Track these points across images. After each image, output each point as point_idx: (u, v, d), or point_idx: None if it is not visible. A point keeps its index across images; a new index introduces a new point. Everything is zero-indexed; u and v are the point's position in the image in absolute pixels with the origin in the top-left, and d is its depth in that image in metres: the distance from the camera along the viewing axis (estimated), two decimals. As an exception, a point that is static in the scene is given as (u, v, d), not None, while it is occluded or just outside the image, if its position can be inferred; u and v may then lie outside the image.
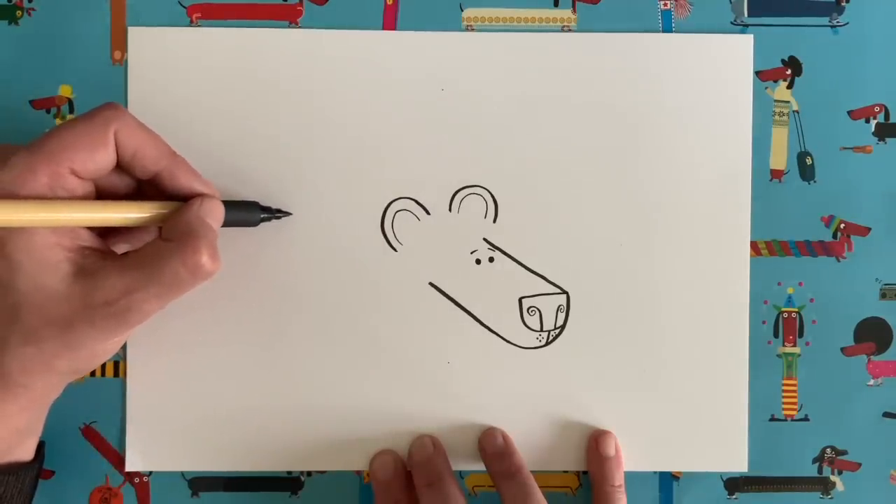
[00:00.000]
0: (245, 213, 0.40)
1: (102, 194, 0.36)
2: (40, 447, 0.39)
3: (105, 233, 0.37)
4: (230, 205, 0.38)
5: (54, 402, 0.38)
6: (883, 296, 0.44)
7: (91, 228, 0.35)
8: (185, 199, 0.37)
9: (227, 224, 0.38)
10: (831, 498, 0.44)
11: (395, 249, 0.43)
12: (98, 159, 0.34)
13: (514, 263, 0.43)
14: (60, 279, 0.33)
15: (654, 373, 0.43)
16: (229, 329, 0.42)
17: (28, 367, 0.34)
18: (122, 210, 0.35)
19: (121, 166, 0.36)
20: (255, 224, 0.40)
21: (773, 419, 0.44)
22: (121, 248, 0.38)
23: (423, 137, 0.43)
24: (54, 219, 0.33)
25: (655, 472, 0.44)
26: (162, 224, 0.36)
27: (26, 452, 0.38)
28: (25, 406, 0.36)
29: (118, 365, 0.43)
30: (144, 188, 0.37)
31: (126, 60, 0.43)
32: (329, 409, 0.43)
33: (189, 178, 0.37)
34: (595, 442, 0.43)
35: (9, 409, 0.35)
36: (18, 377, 0.34)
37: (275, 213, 0.41)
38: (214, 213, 0.36)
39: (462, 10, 0.43)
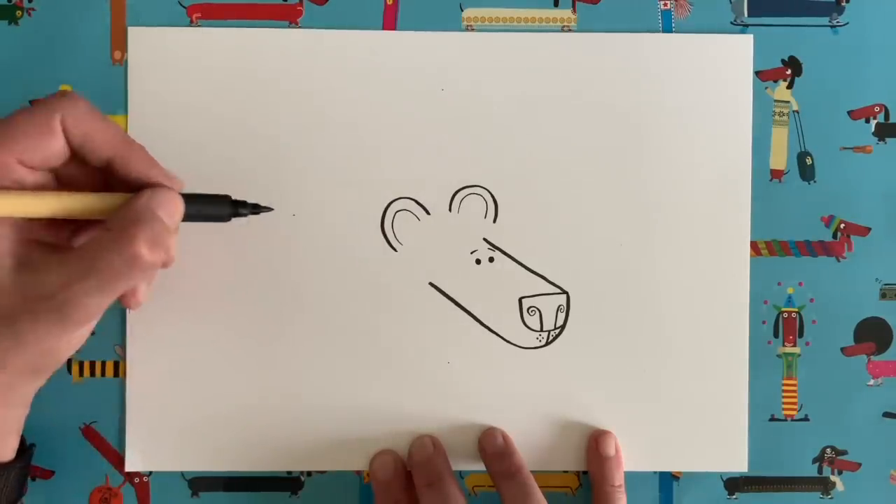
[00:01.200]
0: (211, 206, 0.37)
1: (64, 185, 0.35)
2: (27, 446, 0.39)
3: (62, 226, 0.36)
4: (192, 198, 0.36)
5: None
6: (883, 296, 0.44)
7: (45, 221, 0.35)
8: (142, 189, 0.35)
9: (192, 218, 0.36)
10: (831, 498, 0.44)
11: (395, 249, 0.43)
12: (44, 148, 0.33)
13: (514, 263, 0.43)
14: (3, 272, 0.33)
15: (654, 373, 0.43)
16: (229, 329, 0.42)
17: None
18: (67, 201, 0.34)
19: (74, 155, 0.34)
20: (225, 219, 0.38)
21: (773, 419, 0.44)
22: (81, 243, 0.37)
23: (423, 137, 0.43)
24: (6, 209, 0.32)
25: (655, 472, 0.44)
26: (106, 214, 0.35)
27: (5, 453, 0.37)
28: None
29: (118, 365, 0.43)
30: (108, 179, 0.36)
31: (126, 60, 0.43)
32: (329, 409, 0.43)
33: (144, 165, 0.35)
34: (595, 442, 0.43)
35: None
36: None
37: (251, 209, 0.38)
38: (166, 205, 0.34)
39: (462, 10, 0.43)
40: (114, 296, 0.33)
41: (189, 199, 0.36)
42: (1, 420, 0.36)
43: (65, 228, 0.36)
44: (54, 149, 0.33)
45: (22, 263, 0.33)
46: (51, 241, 0.35)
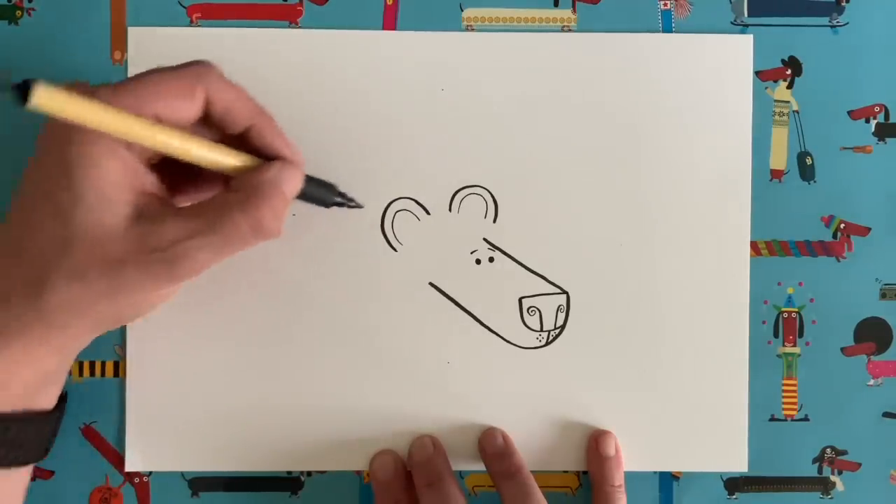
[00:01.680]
0: (323, 190, 0.39)
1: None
2: (63, 398, 0.39)
3: (171, 187, 0.37)
4: (310, 179, 0.38)
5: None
6: (883, 296, 0.44)
7: (159, 176, 0.35)
8: (268, 159, 0.36)
9: (303, 197, 0.38)
10: (831, 498, 0.44)
11: (395, 249, 0.43)
12: (182, 110, 0.34)
13: (514, 263, 0.43)
14: (120, 219, 0.33)
15: (654, 373, 0.43)
16: (229, 329, 0.42)
17: (69, 305, 0.33)
18: (211, 150, 0.34)
19: (212, 121, 0.35)
20: (327, 206, 0.40)
21: (773, 419, 0.44)
22: (183, 205, 0.37)
23: (423, 137, 0.43)
24: (148, 136, 0.32)
25: (655, 472, 0.44)
26: (236, 176, 0.35)
27: (48, 400, 0.37)
28: (57, 349, 0.35)
29: (118, 365, 0.43)
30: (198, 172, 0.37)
31: (126, 60, 0.43)
32: (329, 409, 0.43)
33: (276, 138, 0.36)
34: (595, 442, 0.43)
35: (39, 350, 0.34)
36: (57, 315, 0.33)
37: (347, 201, 0.41)
38: (291, 181, 0.35)
39: (462, 10, 0.43)
40: (224, 257, 0.34)
41: (306, 179, 0.37)
42: (55, 369, 0.36)
43: (174, 190, 0.37)
44: (189, 113, 0.34)
45: (138, 213, 0.33)
46: (162, 195, 0.35)
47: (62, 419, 0.39)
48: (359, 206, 0.41)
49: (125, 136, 0.32)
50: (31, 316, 0.33)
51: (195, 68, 0.34)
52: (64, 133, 0.32)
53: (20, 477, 0.38)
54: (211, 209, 0.34)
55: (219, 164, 0.35)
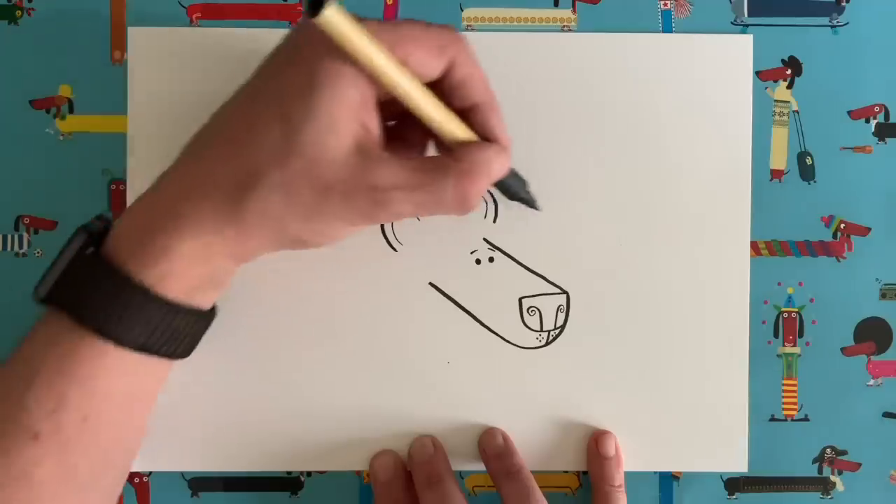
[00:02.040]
0: (517, 182, 0.40)
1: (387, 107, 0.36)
2: (213, 306, 0.38)
3: (398, 135, 0.37)
4: (512, 169, 0.39)
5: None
6: (883, 296, 0.44)
7: (389, 122, 0.36)
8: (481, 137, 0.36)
9: (497, 184, 0.38)
10: (831, 498, 0.44)
11: (395, 249, 0.43)
12: (427, 65, 0.34)
13: (514, 263, 0.43)
14: (342, 146, 0.33)
15: (654, 372, 0.43)
16: (229, 329, 0.42)
17: (265, 216, 0.33)
18: (443, 113, 0.35)
19: (443, 87, 0.35)
20: (510, 198, 0.40)
21: (773, 419, 0.44)
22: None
23: (424, 137, 0.43)
24: (400, 82, 0.33)
25: (655, 472, 0.44)
26: (454, 144, 0.35)
27: (206, 302, 0.37)
28: (233, 254, 0.35)
29: (118, 365, 0.42)
30: (406, 130, 0.37)
31: (126, 60, 0.43)
32: (329, 409, 0.43)
33: (499, 122, 0.36)
34: (595, 442, 0.43)
35: (220, 250, 0.34)
36: (250, 222, 0.33)
37: (531, 200, 0.41)
38: (503, 165, 0.36)
39: (462, 10, 0.43)
40: (417, 215, 0.35)
41: (512, 172, 0.39)
42: (223, 273, 0.36)
43: (400, 139, 0.37)
44: (432, 70, 0.34)
45: (357, 147, 0.33)
46: (379, 142, 0.35)
47: (209, 327, 0.39)
48: (537, 209, 0.42)
49: (381, 74, 0.32)
50: (228, 216, 0.33)
51: (450, 31, 0.35)
52: (316, 48, 0.32)
53: (162, 373, 0.38)
54: (429, 168, 0.34)
55: (444, 128, 0.35)
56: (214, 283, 0.36)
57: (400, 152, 0.37)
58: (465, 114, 0.36)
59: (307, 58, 0.33)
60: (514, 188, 0.40)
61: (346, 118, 0.33)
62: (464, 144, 0.35)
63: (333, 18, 0.30)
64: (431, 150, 0.39)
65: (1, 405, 0.34)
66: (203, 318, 0.37)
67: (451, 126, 0.35)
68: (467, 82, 0.35)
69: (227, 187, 0.33)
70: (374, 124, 0.34)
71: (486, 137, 0.36)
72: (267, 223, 0.34)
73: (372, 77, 0.33)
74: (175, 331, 0.35)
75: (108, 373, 0.35)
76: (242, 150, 0.33)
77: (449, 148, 0.36)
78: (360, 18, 0.33)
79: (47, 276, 0.35)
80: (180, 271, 0.34)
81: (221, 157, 0.34)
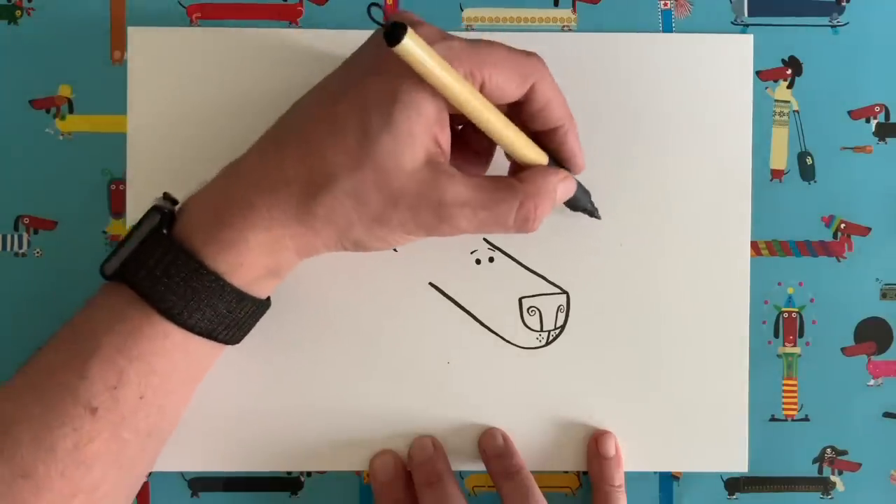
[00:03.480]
0: (582, 194, 0.41)
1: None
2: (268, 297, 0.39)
3: (467, 155, 0.39)
4: (578, 184, 0.40)
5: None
6: (883, 296, 0.44)
7: (458, 144, 0.37)
8: (556, 161, 0.38)
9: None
10: (831, 498, 0.44)
11: (395, 249, 0.43)
12: (508, 89, 0.35)
13: (514, 263, 0.43)
14: (415, 159, 0.34)
15: (654, 373, 0.43)
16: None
17: (333, 218, 0.35)
18: (518, 135, 0.36)
19: (523, 110, 0.37)
20: (573, 209, 0.41)
21: (773, 419, 0.44)
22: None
23: (423, 137, 0.43)
24: (479, 111, 0.34)
25: (655, 472, 0.44)
26: (523, 164, 0.37)
27: (265, 292, 0.38)
28: (297, 250, 0.36)
29: (118, 365, 0.42)
30: (472, 136, 0.39)
31: (126, 60, 0.43)
32: (329, 409, 0.43)
33: (577, 147, 0.38)
34: (595, 442, 0.43)
35: (286, 245, 0.35)
36: (318, 222, 0.35)
37: (593, 210, 0.42)
38: (569, 191, 0.39)
39: (462, 10, 0.43)
40: (480, 232, 0.36)
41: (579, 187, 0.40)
42: (285, 267, 0.37)
43: (466, 145, 0.39)
44: (512, 94, 0.36)
45: (428, 160, 0.34)
46: (446, 159, 0.36)
47: (261, 317, 0.39)
48: (598, 217, 0.42)
49: (454, 98, 0.33)
50: (297, 212, 0.35)
51: (533, 58, 0.36)
52: (402, 63, 0.33)
53: (215, 356, 0.38)
54: (497, 189, 0.35)
55: (515, 150, 0.36)
56: (276, 274, 0.37)
57: (465, 159, 0.39)
58: (544, 134, 0.38)
59: (391, 70, 0.34)
60: (580, 202, 0.41)
61: (421, 132, 0.34)
62: (534, 168, 0.37)
63: (410, 49, 0.31)
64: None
65: (61, 375, 0.34)
66: (261, 308, 0.38)
67: (522, 149, 0.37)
68: (548, 107, 0.37)
69: (300, 186, 0.34)
70: (446, 139, 0.35)
71: (561, 158, 0.38)
72: (334, 225, 0.35)
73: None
74: (236, 319, 0.36)
75: (170, 354, 0.35)
76: (318, 152, 0.34)
77: (516, 161, 0.38)
78: (445, 35, 0.34)
79: (118, 252, 0.35)
80: (250, 262, 0.35)
81: (297, 155, 0.35)
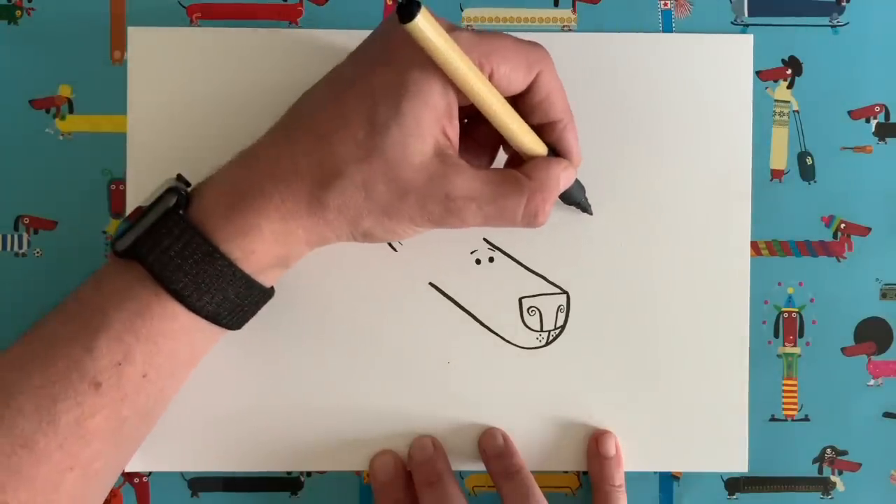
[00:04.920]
0: (578, 189, 0.41)
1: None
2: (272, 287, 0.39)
3: (474, 147, 0.39)
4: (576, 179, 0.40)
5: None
6: (883, 296, 0.44)
7: (468, 133, 0.37)
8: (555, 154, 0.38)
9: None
10: (831, 498, 0.44)
11: (395, 249, 0.43)
12: (514, 79, 0.35)
13: (514, 263, 0.43)
14: (422, 151, 0.34)
15: (654, 373, 0.43)
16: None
17: (343, 209, 0.35)
18: (522, 126, 0.36)
19: (524, 101, 0.37)
20: (566, 203, 0.41)
21: (773, 419, 0.44)
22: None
23: (424, 137, 0.43)
24: (486, 96, 0.34)
25: (655, 472, 0.44)
26: (525, 156, 0.37)
27: (271, 280, 0.38)
28: (307, 240, 0.36)
29: (118, 365, 0.42)
30: (478, 129, 0.39)
31: (126, 60, 0.43)
32: (329, 409, 0.43)
33: (575, 140, 0.38)
34: (595, 442, 0.43)
35: (296, 235, 0.35)
36: (327, 213, 0.35)
37: (586, 205, 0.42)
38: (570, 181, 0.38)
39: (462, 10, 0.43)
40: (485, 225, 0.36)
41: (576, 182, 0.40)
42: (293, 256, 0.37)
43: (472, 138, 0.39)
44: (518, 85, 0.36)
45: (436, 152, 0.34)
46: (454, 151, 0.36)
47: (268, 300, 0.39)
48: (590, 213, 0.42)
49: (463, 84, 0.33)
50: (309, 204, 0.35)
51: (540, 49, 0.36)
52: (410, 52, 0.33)
53: (215, 340, 0.38)
54: (504, 182, 0.36)
55: (519, 140, 0.36)
56: (285, 264, 0.37)
57: (471, 152, 0.38)
58: (542, 127, 0.37)
59: (400, 60, 0.34)
60: (575, 196, 0.41)
61: (430, 124, 0.34)
62: (536, 159, 0.37)
63: (423, 26, 0.31)
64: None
65: (67, 348, 0.35)
66: (266, 296, 0.38)
67: (526, 139, 0.37)
68: (549, 100, 0.37)
69: (311, 178, 0.35)
70: (454, 131, 0.35)
71: (558, 151, 0.38)
72: (344, 217, 0.35)
73: (456, 86, 0.34)
74: (242, 305, 0.37)
75: (175, 335, 0.35)
76: (327, 144, 0.34)
77: (516, 154, 0.38)
78: (453, 27, 0.34)
79: (131, 230, 0.35)
80: (263, 250, 0.35)
81: (307, 146, 0.35)
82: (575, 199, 0.41)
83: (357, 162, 0.34)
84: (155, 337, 0.35)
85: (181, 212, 0.35)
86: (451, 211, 0.35)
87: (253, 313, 0.38)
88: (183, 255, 0.34)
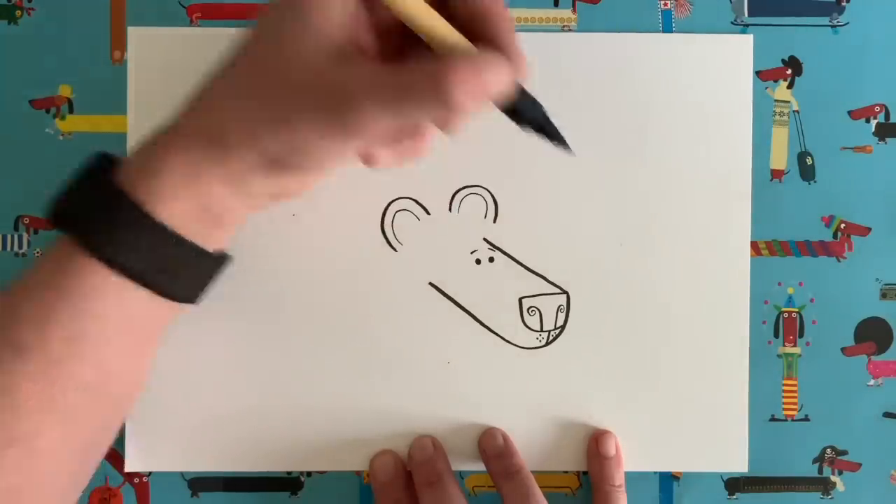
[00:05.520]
0: (528, 105, 0.33)
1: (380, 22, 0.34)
2: (226, 255, 0.37)
3: (385, 44, 0.34)
4: (522, 89, 0.33)
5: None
6: (883, 296, 0.44)
7: (373, 30, 0.33)
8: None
9: (506, 111, 0.33)
10: (831, 498, 0.44)
11: (395, 249, 0.43)
12: None
13: (514, 263, 0.43)
14: (318, 48, 0.31)
15: (654, 373, 0.43)
16: (229, 329, 0.42)
17: (238, 122, 0.32)
18: (435, 20, 0.31)
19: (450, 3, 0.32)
20: (525, 126, 0.33)
21: (773, 419, 0.44)
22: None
23: (423, 137, 0.43)
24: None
25: (655, 472, 0.44)
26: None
27: (213, 244, 0.35)
28: (221, 177, 0.33)
29: (118, 365, 0.42)
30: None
31: (126, 60, 0.43)
32: (329, 409, 0.43)
33: (507, 33, 0.32)
34: (595, 442, 0.43)
35: (207, 167, 0.33)
36: (228, 128, 0.32)
37: (551, 132, 0.34)
38: (500, 75, 0.30)
39: (462, 10, 0.43)
40: (394, 118, 0.31)
41: (523, 92, 0.33)
42: (223, 210, 0.34)
43: (386, 47, 0.34)
44: None
45: (337, 52, 0.31)
46: (367, 49, 0.33)
47: (218, 274, 0.37)
48: (566, 147, 0.35)
49: None
50: (208, 128, 0.33)
51: None
52: None
53: (164, 317, 0.36)
54: (412, 70, 0.30)
55: (435, 34, 0.31)
56: (213, 218, 0.34)
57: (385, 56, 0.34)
58: (473, 27, 0.32)
59: None
60: (526, 111, 0.33)
61: (325, 23, 0.31)
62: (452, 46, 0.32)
63: None
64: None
65: None
66: (205, 259, 0.35)
67: (446, 36, 0.31)
68: None
69: (207, 106, 0.33)
70: (365, 41, 0.33)
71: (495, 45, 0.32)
72: (243, 134, 0.32)
73: None
74: (169, 262, 0.34)
75: (99, 295, 0.33)
76: (221, 74, 0.33)
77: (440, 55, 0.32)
78: None
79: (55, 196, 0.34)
80: (171, 191, 0.33)
81: (212, 75, 0.34)
82: (529, 115, 0.33)
83: (250, 66, 0.32)
84: (73, 296, 0.33)
85: (88, 168, 0.34)
86: (350, 106, 0.30)
87: (199, 281, 0.36)
88: (91, 206, 0.33)
